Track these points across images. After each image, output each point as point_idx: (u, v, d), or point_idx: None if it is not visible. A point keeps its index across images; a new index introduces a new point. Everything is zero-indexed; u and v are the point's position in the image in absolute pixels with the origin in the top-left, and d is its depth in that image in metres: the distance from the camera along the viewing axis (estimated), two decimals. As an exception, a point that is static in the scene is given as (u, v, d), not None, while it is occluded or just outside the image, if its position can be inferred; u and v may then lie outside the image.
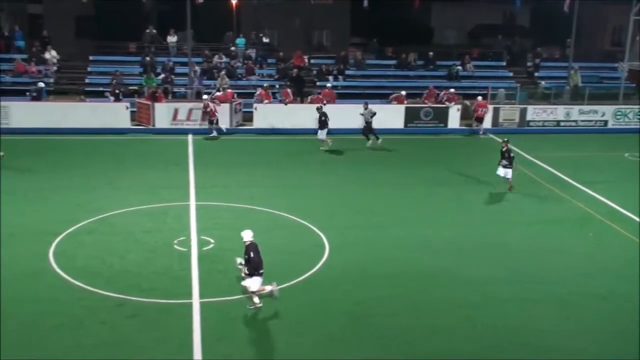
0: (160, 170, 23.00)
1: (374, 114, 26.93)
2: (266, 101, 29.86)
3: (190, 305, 13.32)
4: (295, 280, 14.54)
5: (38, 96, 28.78)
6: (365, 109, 27.05)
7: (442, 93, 31.70)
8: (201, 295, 13.71)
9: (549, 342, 12.38)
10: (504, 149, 21.04)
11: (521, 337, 12.55)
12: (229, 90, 30.31)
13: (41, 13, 38.03)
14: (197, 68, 32.75)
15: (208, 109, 28.05)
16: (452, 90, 31.84)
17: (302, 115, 29.51)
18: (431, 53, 37.39)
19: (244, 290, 13.29)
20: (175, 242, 16.39)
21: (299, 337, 12.34)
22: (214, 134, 28.03)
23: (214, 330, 12.42)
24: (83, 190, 20.38)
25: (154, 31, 35.52)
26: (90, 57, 34.56)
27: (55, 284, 14.04)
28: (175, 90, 32.23)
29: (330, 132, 26.61)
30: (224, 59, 34.62)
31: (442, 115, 31.10)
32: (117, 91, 29.61)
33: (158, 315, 12.98)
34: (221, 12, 38.47)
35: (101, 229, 17.30)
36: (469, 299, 14.01)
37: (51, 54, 32.96)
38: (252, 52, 35.90)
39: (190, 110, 28.97)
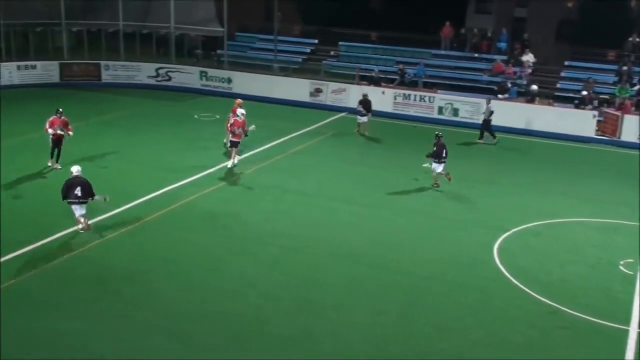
0: (613, 185, 22.03)
1: (492, 112, 26.60)
2: None
3: (626, 332, 12.64)
4: None
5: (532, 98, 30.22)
6: (488, 104, 27.02)
7: None
8: (640, 325, 12.94)
9: None
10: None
11: None
12: None
13: (525, 16, 39.30)
14: (680, 81, 30.11)
15: None
16: None
17: None
18: None
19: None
20: (622, 262, 15.64)
21: None
22: None
23: (649, 365, 11.63)
24: (536, 193, 20.81)
25: (638, 39, 33.68)
26: (566, 62, 34.58)
27: (494, 277, 14.75)
28: (651, 103, 30.19)
29: None
30: None
31: None
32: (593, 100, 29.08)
33: (589, 333, 12.66)
34: None
35: (547, 233, 17.49)
36: None
37: (528, 57, 34.02)
38: None
39: (664, 126, 26.91)
